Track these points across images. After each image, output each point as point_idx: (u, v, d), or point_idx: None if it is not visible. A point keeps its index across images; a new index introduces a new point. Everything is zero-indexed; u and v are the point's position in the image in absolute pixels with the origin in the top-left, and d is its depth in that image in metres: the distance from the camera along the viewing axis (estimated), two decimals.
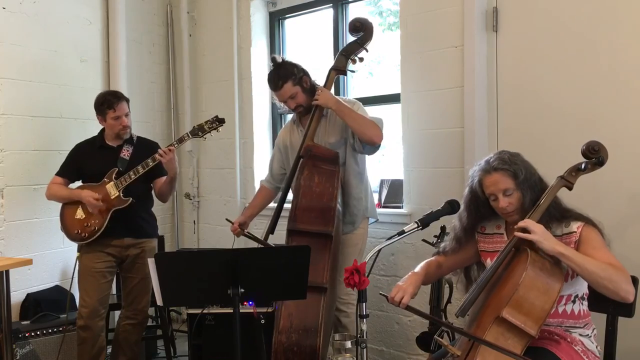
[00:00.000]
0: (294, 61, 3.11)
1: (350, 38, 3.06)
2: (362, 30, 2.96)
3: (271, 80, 3.07)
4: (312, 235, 2.78)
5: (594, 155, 2.05)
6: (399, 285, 2.19)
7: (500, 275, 2.02)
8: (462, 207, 2.27)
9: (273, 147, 4.48)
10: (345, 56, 2.99)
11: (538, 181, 2.09)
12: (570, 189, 2.06)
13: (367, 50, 3.00)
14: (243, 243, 4.37)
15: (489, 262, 2.18)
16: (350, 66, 3.02)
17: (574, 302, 2.07)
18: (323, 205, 2.81)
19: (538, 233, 1.92)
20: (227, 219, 3.37)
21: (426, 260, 2.39)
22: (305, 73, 3.07)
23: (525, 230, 1.95)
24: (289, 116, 4.47)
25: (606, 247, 1.99)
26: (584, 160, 2.06)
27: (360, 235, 3.09)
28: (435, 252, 2.43)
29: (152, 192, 3.51)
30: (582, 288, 2.09)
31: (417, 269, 2.31)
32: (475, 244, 2.29)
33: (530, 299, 1.87)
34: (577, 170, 2.06)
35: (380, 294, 2.28)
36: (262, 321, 3.18)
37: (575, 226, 2.02)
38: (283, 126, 3.42)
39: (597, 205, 2.35)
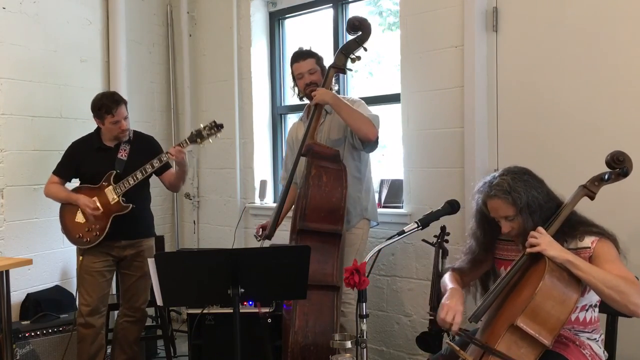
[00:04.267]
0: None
1: (349, 37, 3.07)
2: (361, 29, 2.98)
3: (298, 52, 3.17)
4: (322, 234, 2.82)
5: (619, 166, 2.01)
6: (447, 304, 2.05)
7: (516, 283, 1.98)
8: (474, 226, 2.22)
9: (273, 147, 4.51)
10: (345, 54, 3.01)
11: (544, 201, 2.03)
12: (592, 198, 2.02)
13: (365, 49, 3.01)
14: (243, 243, 4.38)
15: (503, 271, 2.15)
16: (349, 64, 3.03)
17: (587, 310, 2.06)
18: (333, 205, 2.83)
19: (543, 242, 1.91)
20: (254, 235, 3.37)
21: (449, 276, 2.26)
22: (326, 67, 3.15)
23: (531, 244, 1.93)
24: (289, 117, 4.49)
25: (620, 261, 1.94)
26: (608, 170, 2.03)
27: (358, 235, 3.08)
28: (449, 268, 2.33)
29: (152, 189, 3.51)
30: (596, 297, 2.04)
31: (452, 283, 2.18)
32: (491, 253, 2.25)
33: (546, 309, 1.83)
34: (600, 180, 2.02)
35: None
36: (269, 320, 3.19)
37: (590, 241, 1.97)
38: (291, 125, 3.44)
39: (615, 213, 2.27)
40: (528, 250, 1.95)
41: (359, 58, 3.02)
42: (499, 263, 2.23)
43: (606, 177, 2.02)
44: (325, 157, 2.93)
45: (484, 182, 2.11)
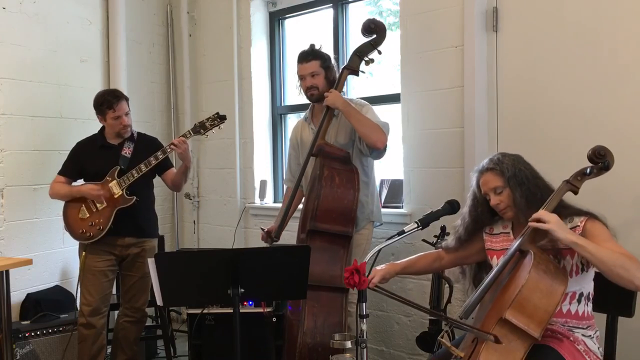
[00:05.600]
0: (329, 54, 3.20)
1: (359, 38, 3.06)
2: (376, 32, 2.99)
3: (303, 53, 3.15)
4: (332, 235, 2.83)
5: (600, 160, 2.05)
6: (374, 268, 2.28)
7: (505, 278, 2.02)
8: (465, 208, 2.30)
9: (273, 147, 4.51)
10: (359, 57, 3.02)
11: (531, 177, 2.11)
12: (575, 193, 2.07)
13: (379, 52, 3.02)
14: (243, 243, 4.38)
15: (496, 260, 2.18)
16: (362, 67, 3.04)
17: (579, 301, 2.07)
18: (344, 206, 2.84)
19: (552, 222, 1.93)
20: (261, 228, 3.34)
21: (423, 253, 2.44)
22: (332, 67, 3.13)
23: (540, 220, 1.95)
24: (289, 117, 4.49)
25: (613, 239, 1.99)
26: (590, 164, 2.07)
27: (364, 235, 3.08)
28: (439, 247, 2.47)
29: (154, 189, 3.52)
30: (588, 287, 2.08)
31: (404, 260, 2.39)
32: (479, 242, 2.31)
33: (533, 301, 1.86)
34: (582, 175, 2.06)
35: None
36: (274, 319, 3.20)
37: (579, 220, 2.02)
38: (294, 125, 3.44)
39: (602, 207, 2.30)
40: (535, 224, 1.96)
41: (372, 61, 3.03)
42: (491, 253, 2.26)
43: (588, 171, 2.07)
44: (336, 158, 2.94)
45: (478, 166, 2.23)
